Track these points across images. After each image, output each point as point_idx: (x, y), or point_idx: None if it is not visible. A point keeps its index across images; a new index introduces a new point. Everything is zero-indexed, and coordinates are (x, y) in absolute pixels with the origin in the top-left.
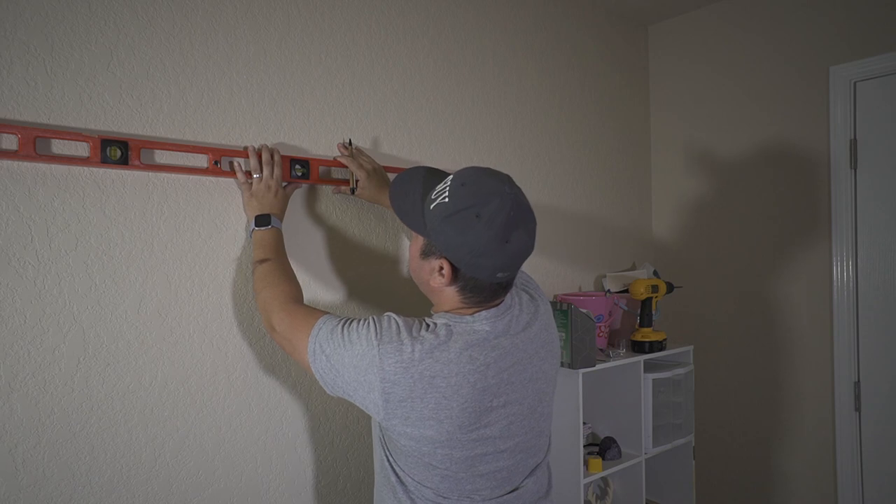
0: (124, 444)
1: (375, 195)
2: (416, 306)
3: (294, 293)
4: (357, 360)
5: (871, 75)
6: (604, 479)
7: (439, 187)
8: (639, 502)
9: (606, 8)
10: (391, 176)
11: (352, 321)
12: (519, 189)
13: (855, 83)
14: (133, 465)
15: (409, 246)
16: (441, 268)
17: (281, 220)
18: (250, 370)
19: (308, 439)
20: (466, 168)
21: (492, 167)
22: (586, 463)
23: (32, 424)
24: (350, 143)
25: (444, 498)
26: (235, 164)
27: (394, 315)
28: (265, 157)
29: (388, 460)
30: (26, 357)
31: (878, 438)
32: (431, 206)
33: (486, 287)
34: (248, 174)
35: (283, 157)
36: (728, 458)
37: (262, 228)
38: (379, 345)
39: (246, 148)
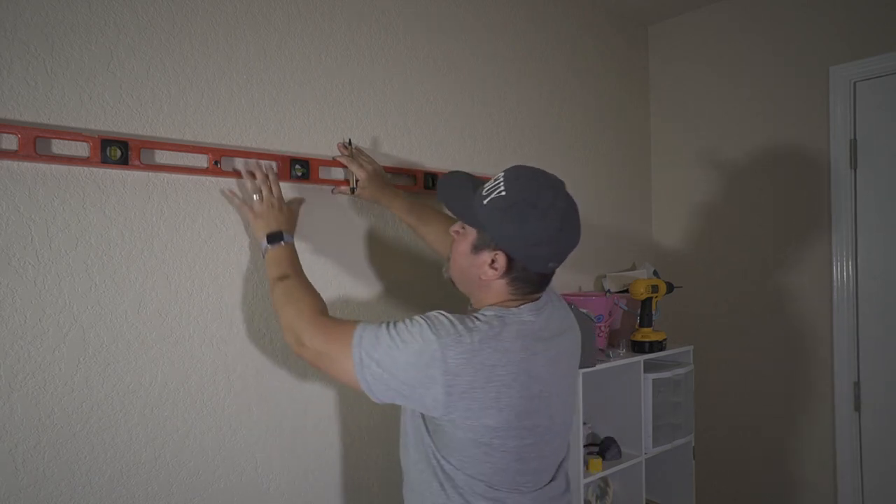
0: (124, 444)
1: (375, 195)
2: (445, 304)
3: (320, 306)
4: (415, 358)
5: (871, 75)
6: (604, 479)
7: (490, 184)
8: (639, 502)
9: (606, 8)
10: (391, 177)
11: (396, 322)
12: (564, 184)
13: (855, 83)
14: (133, 465)
15: (452, 245)
16: (493, 260)
17: (292, 234)
18: (250, 370)
19: (308, 439)
20: (516, 165)
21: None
22: (586, 463)
23: (32, 424)
24: (350, 144)
25: (496, 490)
26: (228, 191)
27: (442, 312)
28: (260, 175)
29: (437, 457)
30: (26, 357)
31: (878, 438)
32: (486, 201)
33: (534, 278)
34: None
35: (283, 156)
36: (728, 458)
37: (275, 246)
38: (437, 339)
39: (237, 171)
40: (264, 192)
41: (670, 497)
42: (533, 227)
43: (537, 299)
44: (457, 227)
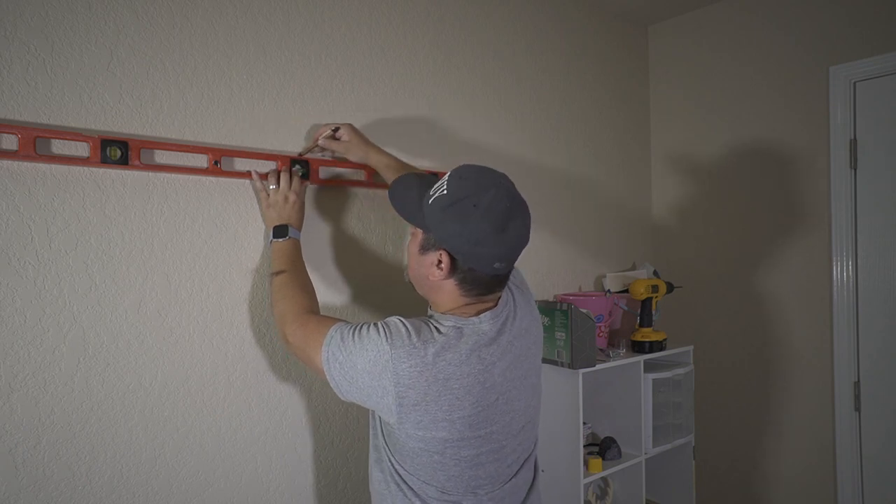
0: (124, 444)
1: (360, 151)
2: (419, 308)
3: (308, 304)
4: (370, 366)
5: (871, 75)
6: (604, 479)
7: (437, 183)
8: (639, 502)
9: (606, 8)
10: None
11: (362, 326)
12: (513, 184)
13: (855, 83)
14: (133, 465)
15: (407, 248)
16: (439, 260)
17: (299, 229)
18: (250, 370)
19: (308, 439)
20: (464, 164)
21: (492, 167)
22: (586, 463)
23: (32, 424)
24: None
25: (449, 494)
26: (254, 172)
27: (400, 318)
28: (281, 166)
29: (391, 461)
30: (26, 357)
31: (878, 438)
32: (430, 201)
33: (483, 279)
34: (265, 176)
35: (283, 156)
36: (728, 458)
37: (280, 240)
38: (391, 349)
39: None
40: (282, 183)
41: (670, 497)
42: (473, 226)
43: (494, 304)
44: (411, 228)
